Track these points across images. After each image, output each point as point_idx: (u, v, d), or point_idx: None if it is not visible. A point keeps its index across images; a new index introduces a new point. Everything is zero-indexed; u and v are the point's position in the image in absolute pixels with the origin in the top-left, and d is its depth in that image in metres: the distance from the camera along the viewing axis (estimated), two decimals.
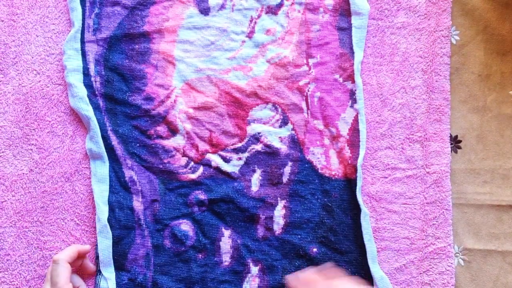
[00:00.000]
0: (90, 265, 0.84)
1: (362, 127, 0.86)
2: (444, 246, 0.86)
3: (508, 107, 0.88)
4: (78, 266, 0.83)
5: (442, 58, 0.88)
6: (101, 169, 0.85)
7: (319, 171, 0.86)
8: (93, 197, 0.85)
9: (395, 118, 0.88)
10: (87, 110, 0.85)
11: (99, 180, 0.85)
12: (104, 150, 0.85)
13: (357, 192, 0.85)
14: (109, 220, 0.85)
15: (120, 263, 0.84)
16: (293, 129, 0.87)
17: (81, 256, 0.82)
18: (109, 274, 0.83)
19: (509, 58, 0.89)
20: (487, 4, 0.89)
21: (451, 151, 0.88)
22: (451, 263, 0.86)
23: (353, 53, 0.88)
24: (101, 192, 0.85)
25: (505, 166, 0.88)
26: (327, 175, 0.86)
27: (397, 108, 0.88)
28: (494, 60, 0.89)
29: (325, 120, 0.87)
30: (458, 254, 0.87)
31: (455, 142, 0.88)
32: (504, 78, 0.89)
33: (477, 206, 0.87)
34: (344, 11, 0.89)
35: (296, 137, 0.87)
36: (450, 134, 0.88)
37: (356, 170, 0.85)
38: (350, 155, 0.86)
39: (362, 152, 0.86)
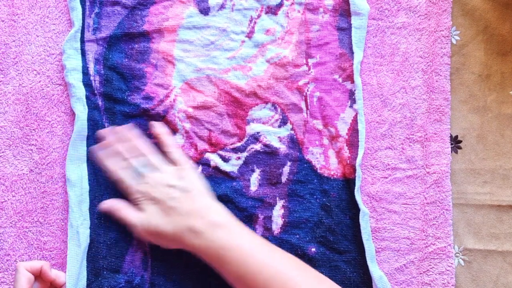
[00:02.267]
0: (59, 280, 0.81)
1: (361, 127, 0.86)
2: (444, 246, 0.86)
3: (509, 107, 0.88)
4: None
5: (442, 58, 0.88)
6: (75, 173, 0.85)
7: (318, 171, 0.86)
8: None
9: (395, 118, 0.88)
10: (82, 111, 0.85)
11: (73, 184, 0.84)
12: (84, 154, 0.86)
13: (355, 192, 0.85)
14: (106, 222, 0.85)
15: (117, 265, 0.84)
16: (292, 129, 0.87)
17: (44, 277, 0.79)
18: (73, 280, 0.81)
19: (509, 58, 0.89)
20: (487, 4, 0.89)
21: (451, 151, 0.88)
22: (451, 263, 0.85)
23: (352, 53, 0.88)
24: (76, 197, 0.84)
25: (506, 166, 0.88)
26: (326, 175, 0.86)
27: (397, 108, 0.88)
28: (494, 60, 0.89)
29: (324, 120, 0.87)
30: (458, 254, 0.87)
31: (455, 142, 0.88)
32: (504, 78, 0.89)
33: (477, 206, 0.87)
34: (344, 11, 0.89)
35: (295, 137, 0.87)
36: (450, 134, 0.88)
37: (355, 170, 0.85)
38: (349, 155, 0.86)
39: (361, 152, 0.86)
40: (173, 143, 0.85)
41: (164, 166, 0.82)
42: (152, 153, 0.83)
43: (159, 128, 0.86)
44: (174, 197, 0.78)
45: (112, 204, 0.84)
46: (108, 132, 0.85)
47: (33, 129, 0.86)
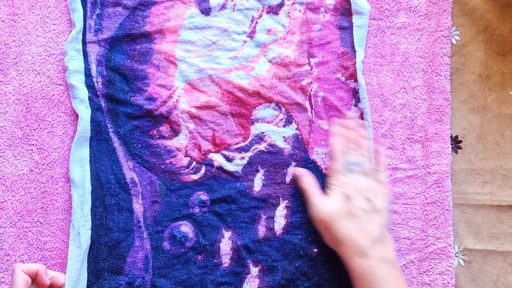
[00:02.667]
0: (58, 281, 0.81)
1: (368, 126, 0.86)
2: (445, 247, 0.86)
3: (509, 107, 0.88)
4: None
5: (442, 58, 0.88)
6: (78, 174, 0.85)
7: (323, 171, 0.86)
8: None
9: (395, 118, 0.88)
10: (85, 113, 0.85)
11: (76, 185, 0.85)
12: (87, 155, 0.86)
13: None
14: (107, 223, 0.85)
15: (118, 266, 0.84)
16: (297, 128, 0.87)
17: (39, 281, 0.78)
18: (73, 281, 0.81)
19: (509, 59, 0.89)
20: (487, 5, 0.89)
21: (451, 151, 0.88)
22: (451, 263, 0.86)
23: (354, 52, 0.88)
24: (78, 197, 0.84)
25: (506, 166, 0.88)
26: None
27: (397, 109, 0.88)
28: (494, 60, 0.89)
29: (330, 120, 0.87)
30: (458, 254, 0.87)
31: (456, 142, 0.88)
32: (504, 79, 0.89)
33: (477, 206, 0.88)
34: (345, 11, 0.89)
35: (300, 136, 0.87)
36: (451, 134, 0.88)
37: None
38: None
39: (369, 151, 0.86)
40: (385, 165, 0.86)
41: (371, 178, 0.82)
42: (368, 159, 0.84)
43: (380, 147, 0.86)
44: (364, 209, 0.79)
45: (306, 175, 0.85)
46: (351, 117, 0.87)
47: (33, 129, 0.86)
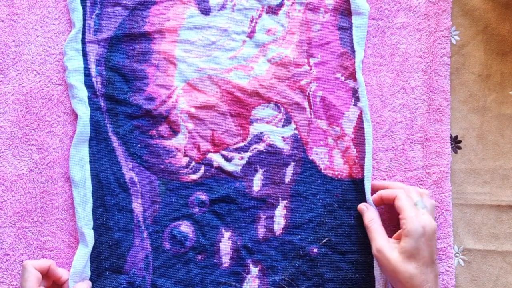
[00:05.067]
0: (62, 278, 0.82)
1: (367, 125, 0.86)
2: (444, 247, 0.86)
3: (508, 107, 0.88)
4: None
5: (442, 59, 0.88)
6: (79, 174, 0.85)
7: (322, 171, 0.86)
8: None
9: (395, 118, 0.87)
10: (84, 112, 0.85)
11: (77, 185, 0.85)
12: (87, 155, 0.86)
13: (366, 191, 0.85)
14: (107, 223, 0.85)
15: (119, 266, 0.84)
16: (296, 128, 0.87)
17: (52, 275, 0.80)
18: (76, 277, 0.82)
19: (509, 59, 0.89)
20: (487, 5, 0.89)
21: (451, 151, 0.88)
22: (451, 264, 0.86)
23: (354, 52, 0.88)
24: (80, 197, 0.85)
25: (505, 166, 0.88)
26: (330, 175, 0.86)
27: (397, 109, 0.88)
28: (494, 60, 0.89)
29: (329, 120, 0.87)
30: (458, 255, 0.87)
31: (455, 143, 0.88)
32: (504, 78, 0.89)
33: (477, 207, 0.87)
34: (344, 11, 0.89)
35: (299, 136, 0.87)
36: (450, 134, 0.88)
37: (362, 169, 0.86)
38: (357, 154, 0.86)
39: (368, 150, 0.86)
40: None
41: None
42: (428, 197, 0.82)
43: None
44: (434, 251, 0.77)
45: (368, 210, 0.83)
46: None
47: (33, 129, 0.86)
